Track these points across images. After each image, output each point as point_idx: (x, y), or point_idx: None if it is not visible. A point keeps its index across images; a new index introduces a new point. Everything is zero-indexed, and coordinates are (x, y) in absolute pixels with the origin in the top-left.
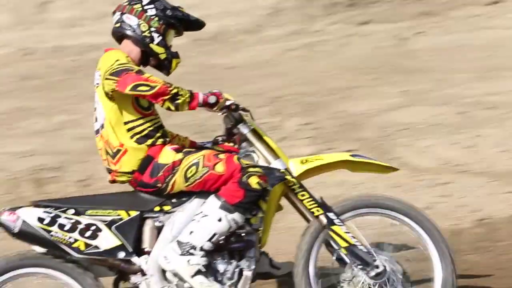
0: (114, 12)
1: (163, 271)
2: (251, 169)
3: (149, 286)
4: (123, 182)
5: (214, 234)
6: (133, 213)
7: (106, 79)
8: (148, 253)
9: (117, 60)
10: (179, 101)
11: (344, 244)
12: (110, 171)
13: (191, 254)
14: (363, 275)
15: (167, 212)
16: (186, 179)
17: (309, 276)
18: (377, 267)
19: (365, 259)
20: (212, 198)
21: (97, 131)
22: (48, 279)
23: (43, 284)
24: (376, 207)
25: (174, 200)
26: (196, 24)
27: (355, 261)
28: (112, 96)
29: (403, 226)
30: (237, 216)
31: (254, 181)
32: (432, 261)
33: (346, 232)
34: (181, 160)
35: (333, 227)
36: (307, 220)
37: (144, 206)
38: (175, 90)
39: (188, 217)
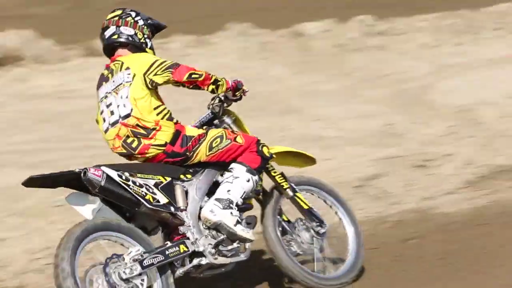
0: (106, 28)
1: (199, 224)
2: (261, 142)
3: (193, 235)
4: (150, 157)
5: (244, 192)
6: (168, 179)
7: (158, 74)
8: (183, 210)
9: (156, 60)
10: (219, 85)
11: (306, 207)
12: (129, 154)
13: (231, 208)
14: (314, 234)
15: (188, 180)
16: (211, 148)
17: (279, 237)
18: (325, 225)
19: (320, 218)
20: (237, 165)
21: (115, 123)
22: (117, 242)
23: (113, 246)
24: (310, 185)
25: (191, 171)
26: (162, 28)
27: (312, 221)
28: (151, 88)
29: (322, 200)
30: (257, 178)
31: (266, 151)
32: (343, 220)
33: (305, 198)
34: (205, 134)
35: (297, 194)
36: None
37: (173, 174)
38: (214, 77)
39: (203, 183)
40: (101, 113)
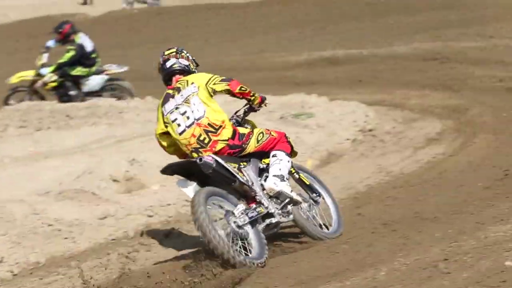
0: (166, 60)
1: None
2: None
3: (266, 201)
4: (217, 150)
5: (289, 169)
6: (237, 165)
7: (217, 84)
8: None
9: (213, 75)
10: (255, 98)
11: (307, 183)
12: (200, 149)
13: (285, 180)
14: (313, 204)
15: (245, 167)
16: (258, 141)
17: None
18: (321, 196)
19: (318, 190)
20: (278, 151)
21: (191, 124)
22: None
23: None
24: (302, 170)
25: (245, 160)
26: (197, 65)
27: (312, 192)
28: (212, 95)
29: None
30: (291, 160)
31: (291, 141)
32: (325, 198)
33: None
34: (251, 132)
35: (300, 175)
36: None
37: (238, 163)
38: (253, 91)
39: (254, 168)
40: (174, 120)
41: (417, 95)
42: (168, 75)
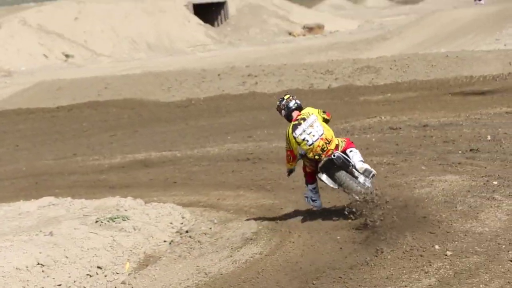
0: (289, 102)
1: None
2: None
3: (361, 177)
4: (328, 154)
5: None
6: None
7: (321, 113)
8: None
9: (318, 109)
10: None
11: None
12: (321, 153)
13: (364, 162)
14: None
15: None
16: (341, 146)
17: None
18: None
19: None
20: (352, 148)
21: (317, 139)
22: None
23: None
24: None
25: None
26: None
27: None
28: (324, 120)
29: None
30: None
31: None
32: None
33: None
34: (338, 142)
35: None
36: None
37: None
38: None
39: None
40: (303, 139)
41: (232, 196)
42: (290, 112)
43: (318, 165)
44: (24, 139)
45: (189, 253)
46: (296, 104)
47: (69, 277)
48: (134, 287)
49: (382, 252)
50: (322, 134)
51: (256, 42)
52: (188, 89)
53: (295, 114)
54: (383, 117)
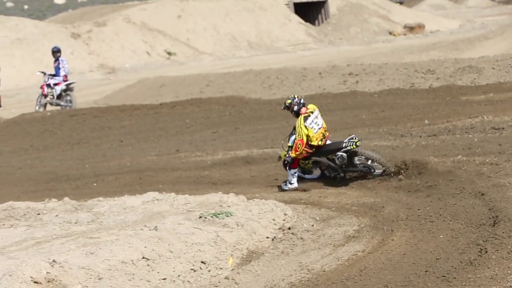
0: (292, 100)
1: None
2: None
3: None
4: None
5: None
6: None
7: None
8: None
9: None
10: None
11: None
12: (323, 139)
13: None
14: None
15: None
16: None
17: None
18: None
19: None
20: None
21: (320, 128)
22: None
23: None
24: None
25: None
26: None
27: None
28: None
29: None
30: None
31: None
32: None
33: None
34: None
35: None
36: None
37: None
38: None
39: None
40: (312, 127)
41: (333, 193)
42: (300, 108)
43: (318, 151)
44: (128, 135)
45: (291, 249)
46: (303, 101)
47: (174, 271)
48: (238, 283)
49: (486, 252)
50: (323, 124)
51: (357, 41)
52: (289, 87)
53: (303, 109)
54: (485, 117)
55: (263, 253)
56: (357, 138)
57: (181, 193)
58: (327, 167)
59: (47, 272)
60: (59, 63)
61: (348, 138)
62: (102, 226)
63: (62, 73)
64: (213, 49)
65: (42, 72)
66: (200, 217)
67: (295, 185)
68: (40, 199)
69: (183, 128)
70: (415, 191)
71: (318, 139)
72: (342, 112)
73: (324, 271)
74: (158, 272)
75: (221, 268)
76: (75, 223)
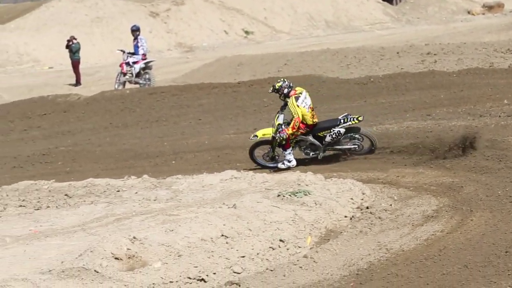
0: (289, 82)
1: None
2: None
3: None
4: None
5: None
6: None
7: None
8: None
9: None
10: None
11: None
12: (313, 118)
13: None
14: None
15: None
16: None
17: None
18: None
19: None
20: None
21: (309, 107)
22: None
23: None
24: None
25: None
26: None
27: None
28: None
29: None
30: None
31: None
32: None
33: None
34: None
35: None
36: None
37: None
38: None
39: None
40: (304, 106)
41: (411, 173)
42: (290, 90)
43: (312, 129)
44: (207, 113)
45: (370, 229)
46: (292, 85)
47: (252, 249)
48: (316, 261)
49: None
50: (310, 104)
51: (435, 21)
52: (366, 66)
53: (292, 91)
54: None
55: (341, 232)
56: (355, 116)
57: (260, 172)
58: (307, 146)
59: (128, 249)
60: (138, 42)
61: (342, 116)
62: (181, 203)
63: (141, 51)
64: (290, 28)
65: (121, 50)
66: (279, 195)
67: (294, 162)
68: (119, 176)
69: (260, 106)
70: (495, 171)
71: (311, 118)
72: (420, 92)
73: (403, 250)
74: (237, 250)
75: (299, 247)
76: (154, 200)
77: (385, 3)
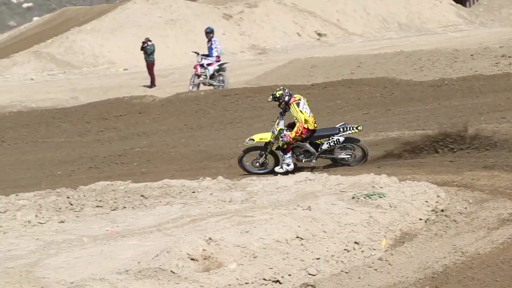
0: (279, 91)
1: None
2: None
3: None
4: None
5: None
6: None
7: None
8: None
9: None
10: None
11: None
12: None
13: None
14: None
15: None
16: None
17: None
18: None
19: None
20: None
21: (310, 113)
22: None
23: None
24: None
25: None
26: None
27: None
28: None
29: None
30: None
31: None
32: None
33: None
34: None
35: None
36: None
37: None
38: None
39: None
40: (305, 111)
41: (486, 176)
42: (291, 97)
43: (312, 135)
44: None
45: (445, 231)
46: (291, 92)
47: (327, 251)
48: (391, 264)
49: None
50: (310, 111)
51: (509, 23)
52: (440, 69)
53: (292, 99)
54: None
55: (416, 235)
56: (354, 125)
57: (333, 173)
58: (301, 152)
59: (203, 250)
60: (212, 44)
61: (340, 124)
62: (255, 205)
63: (215, 53)
64: (363, 30)
65: (196, 52)
66: (353, 197)
67: (292, 166)
68: (194, 178)
69: (334, 108)
70: None
71: (313, 123)
72: (494, 95)
73: (479, 254)
74: (312, 252)
75: (374, 249)
76: (229, 201)
77: (458, 5)
